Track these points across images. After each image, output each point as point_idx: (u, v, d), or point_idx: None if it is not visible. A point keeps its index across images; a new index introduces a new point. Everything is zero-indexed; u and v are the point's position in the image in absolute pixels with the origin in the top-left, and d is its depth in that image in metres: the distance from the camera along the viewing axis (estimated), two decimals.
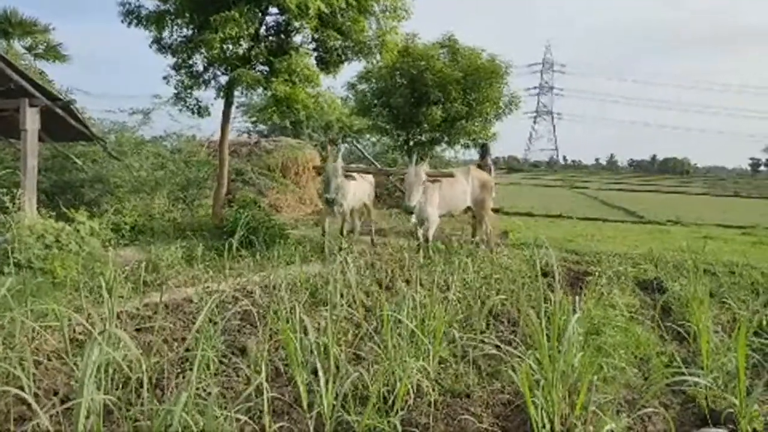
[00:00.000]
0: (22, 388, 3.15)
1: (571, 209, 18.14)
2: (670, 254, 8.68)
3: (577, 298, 4.12)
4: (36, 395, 3.05)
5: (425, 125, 13.45)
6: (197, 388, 2.95)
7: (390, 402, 3.15)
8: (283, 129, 19.26)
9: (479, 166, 10.39)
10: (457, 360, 3.83)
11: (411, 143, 14.56)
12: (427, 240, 7.97)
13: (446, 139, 14.12)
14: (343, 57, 10.09)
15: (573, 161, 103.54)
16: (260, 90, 9.49)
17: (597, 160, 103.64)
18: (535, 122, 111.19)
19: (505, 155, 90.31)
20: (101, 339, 2.41)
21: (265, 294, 5.14)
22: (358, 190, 8.98)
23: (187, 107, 9.82)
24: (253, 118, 21.04)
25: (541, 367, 3.11)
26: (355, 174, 8.46)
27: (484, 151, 11.55)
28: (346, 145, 18.00)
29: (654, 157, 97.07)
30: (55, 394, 3.36)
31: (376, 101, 14.15)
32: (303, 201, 15.57)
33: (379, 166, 8.58)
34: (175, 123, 13.40)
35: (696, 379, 3.41)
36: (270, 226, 8.54)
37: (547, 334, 3.19)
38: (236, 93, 10.08)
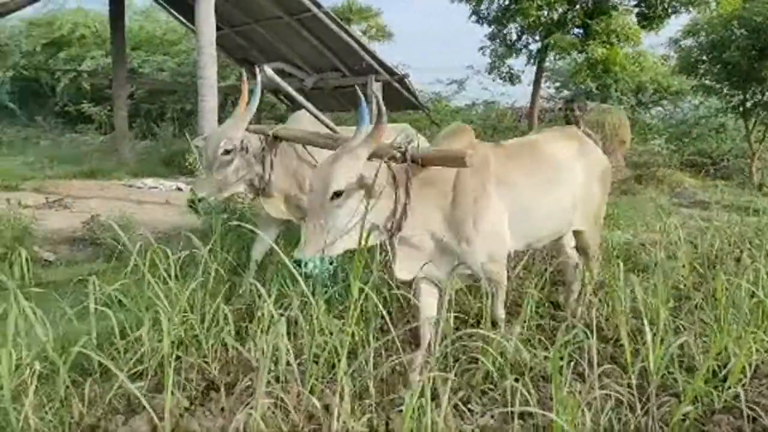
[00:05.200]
0: None
1: None
2: None
3: None
4: None
5: None
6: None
7: (720, 376, 3.00)
8: (588, 93, 18.51)
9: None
10: None
11: (748, 105, 12.41)
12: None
13: None
14: (670, 10, 9.20)
15: None
16: (573, 54, 9.41)
17: None
18: None
19: None
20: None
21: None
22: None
23: (500, 76, 10.37)
24: (557, 84, 20.71)
25: None
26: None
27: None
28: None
29: None
30: None
31: (704, 57, 12.39)
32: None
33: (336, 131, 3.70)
34: (485, 91, 14.28)
35: None
36: None
37: None
38: (547, 59, 10.19)
